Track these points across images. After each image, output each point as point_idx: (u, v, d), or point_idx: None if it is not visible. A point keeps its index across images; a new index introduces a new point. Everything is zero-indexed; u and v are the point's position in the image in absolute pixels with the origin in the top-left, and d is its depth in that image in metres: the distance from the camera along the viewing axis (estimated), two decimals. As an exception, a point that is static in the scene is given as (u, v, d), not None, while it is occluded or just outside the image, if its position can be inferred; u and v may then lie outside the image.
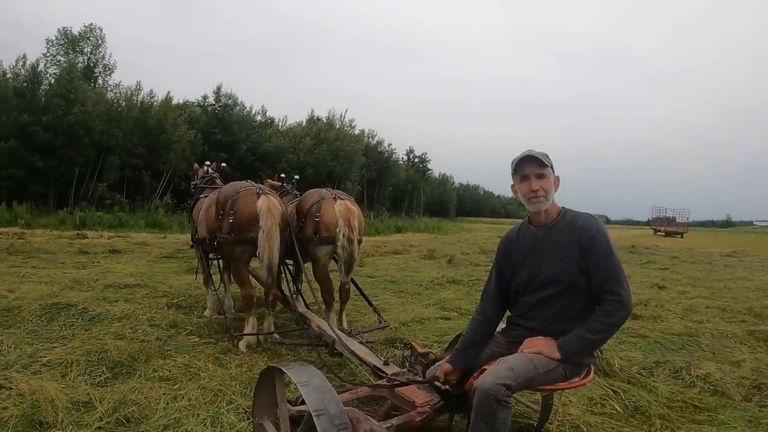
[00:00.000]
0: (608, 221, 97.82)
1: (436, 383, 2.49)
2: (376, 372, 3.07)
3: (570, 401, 3.49)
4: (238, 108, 38.76)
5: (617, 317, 2.28)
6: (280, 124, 44.48)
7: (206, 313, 5.68)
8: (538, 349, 2.29)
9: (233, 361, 4.19)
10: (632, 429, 3.19)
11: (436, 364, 2.67)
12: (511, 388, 2.13)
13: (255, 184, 4.89)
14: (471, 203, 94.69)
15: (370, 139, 53.21)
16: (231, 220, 4.59)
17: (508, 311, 2.66)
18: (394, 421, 2.47)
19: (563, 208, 2.47)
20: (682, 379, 4.12)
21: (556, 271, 2.36)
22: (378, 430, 2.27)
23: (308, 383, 2.04)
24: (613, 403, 3.55)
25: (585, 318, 2.33)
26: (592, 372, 2.52)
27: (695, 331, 5.71)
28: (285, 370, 2.21)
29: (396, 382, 2.72)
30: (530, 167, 2.36)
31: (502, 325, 2.68)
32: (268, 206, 4.55)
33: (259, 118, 41.93)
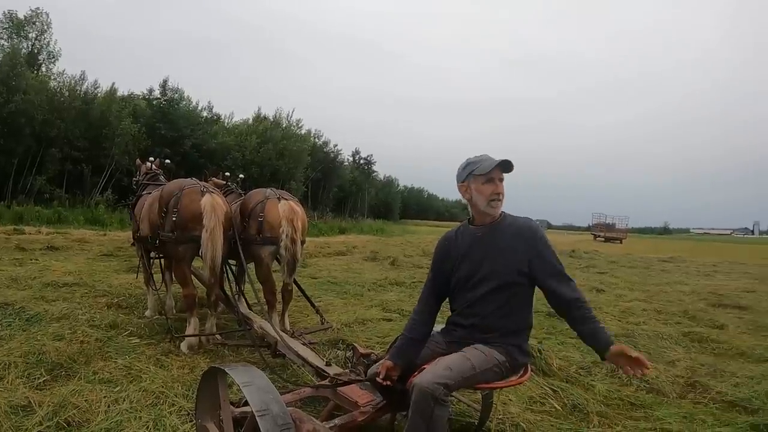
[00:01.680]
0: (549, 226, 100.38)
1: (377, 379, 2.51)
2: (319, 373, 3.07)
3: (510, 400, 3.57)
4: (184, 103, 37.87)
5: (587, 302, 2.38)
6: (227, 121, 43.89)
7: (147, 313, 5.54)
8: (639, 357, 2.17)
9: (175, 362, 4.10)
10: (570, 426, 3.28)
11: (377, 363, 2.69)
12: (449, 387, 2.17)
13: (199, 182, 4.82)
14: (415, 206, 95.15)
15: (317, 140, 53.14)
16: (174, 219, 4.50)
17: (447, 312, 2.71)
18: (337, 420, 2.48)
19: (503, 213, 2.56)
20: (619, 378, 4.27)
21: (496, 267, 2.44)
22: (321, 430, 2.28)
23: (251, 384, 2.02)
24: (552, 401, 3.64)
25: (523, 315, 2.46)
26: (529, 371, 2.59)
27: (632, 332, 5.93)
28: (227, 371, 2.19)
29: (338, 382, 2.73)
30: (498, 172, 2.47)
31: (441, 326, 2.72)
32: (212, 205, 4.48)
33: (205, 114, 41.06)
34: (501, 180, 2.49)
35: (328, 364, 3.09)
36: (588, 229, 57.83)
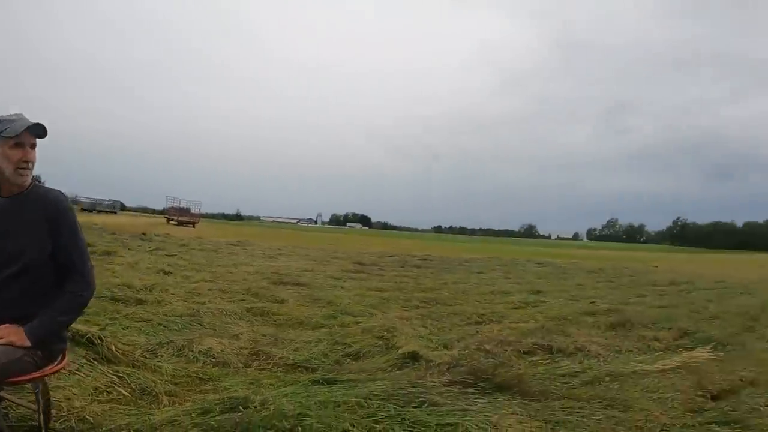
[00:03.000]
0: (124, 207, 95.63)
1: None
2: None
3: (74, 394, 3.32)
4: None
5: (83, 297, 2.32)
6: None
7: None
8: (7, 339, 2.09)
9: None
10: (141, 410, 3.25)
11: None
12: None
13: None
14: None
15: None
16: None
17: None
18: None
19: (35, 180, 2.34)
20: (186, 356, 4.47)
21: (21, 246, 2.19)
22: None
23: None
24: (120, 388, 3.55)
25: (49, 300, 2.25)
26: (67, 356, 2.50)
27: (197, 311, 6.22)
28: None
29: None
30: (30, 136, 2.22)
31: None
32: None
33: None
34: (33, 146, 2.25)
35: None
36: (162, 212, 57.20)
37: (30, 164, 2.22)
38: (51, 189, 2.32)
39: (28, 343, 2.10)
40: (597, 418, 3.44)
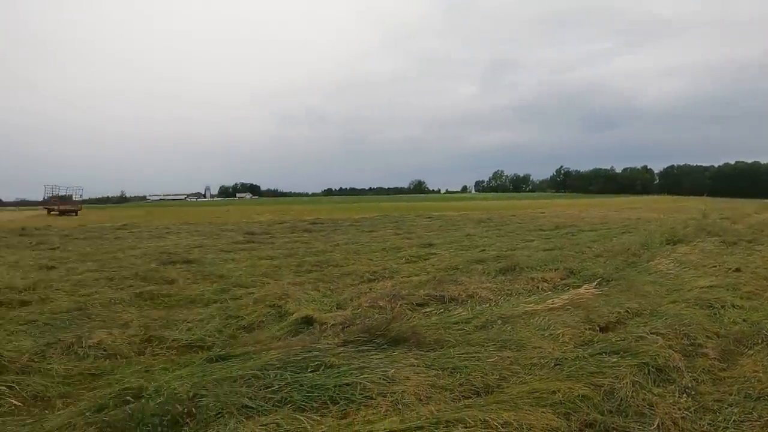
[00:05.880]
0: (2, 203, 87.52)
1: None
2: None
3: None
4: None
5: None
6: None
7: None
8: None
9: None
10: (34, 418, 3.14)
11: None
12: None
13: None
14: None
15: None
16: None
17: None
18: None
19: None
20: (76, 353, 4.33)
21: None
22: None
23: None
24: (10, 398, 3.42)
25: None
26: None
27: (84, 304, 5.99)
28: None
29: None
30: None
31: None
32: None
33: None
34: None
35: None
36: (42, 203, 53.09)
37: None
38: None
39: None
40: (492, 360, 3.73)
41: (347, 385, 3.15)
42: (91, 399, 3.29)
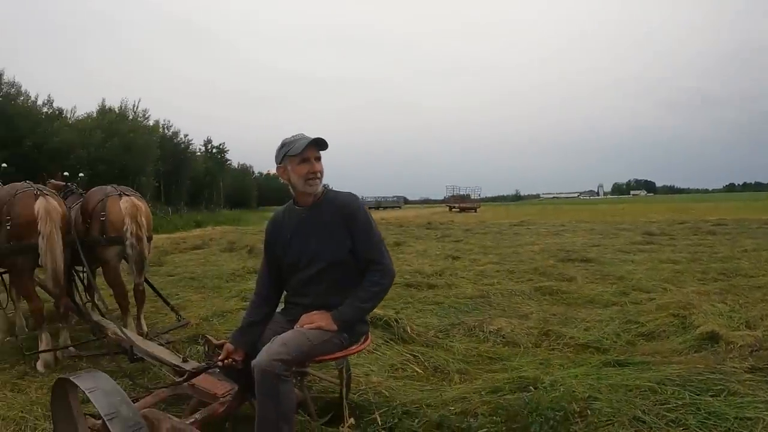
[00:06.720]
0: (407, 201, 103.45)
1: (219, 362, 2.52)
2: (176, 370, 2.95)
3: (372, 370, 3.64)
4: (22, 98, 34.07)
5: (383, 284, 2.50)
6: (69, 115, 40.20)
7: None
8: (316, 324, 2.39)
9: (32, 384, 3.72)
10: (433, 386, 3.40)
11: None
12: (288, 362, 2.21)
13: (33, 185, 4.37)
14: (273, 192, 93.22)
15: (166, 130, 50.56)
16: (8, 227, 4.07)
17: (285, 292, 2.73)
18: (197, 415, 2.43)
19: (325, 188, 2.60)
20: (476, 336, 4.54)
21: (322, 247, 2.49)
22: (180, 426, 2.21)
23: (96, 388, 1.88)
24: (414, 366, 3.77)
25: (354, 289, 2.49)
26: (369, 337, 2.71)
27: (486, 293, 6.29)
28: (72, 380, 2.02)
29: (188, 375, 2.67)
30: (312, 150, 2.47)
31: (282, 306, 2.74)
32: (47, 208, 4.10)
33: (45, 109, 37.25)
34: (318, 159, 2.49)
35: (184, 361, 2.97)
36: (443, 201, 60.50)
37: (318, 174, 2.49)
38: (342, 192, 2.60)
39: (335, 328, 2.40)
40: None
41: (749, 419, 2.54)
42: (487, 380, 3.37)
